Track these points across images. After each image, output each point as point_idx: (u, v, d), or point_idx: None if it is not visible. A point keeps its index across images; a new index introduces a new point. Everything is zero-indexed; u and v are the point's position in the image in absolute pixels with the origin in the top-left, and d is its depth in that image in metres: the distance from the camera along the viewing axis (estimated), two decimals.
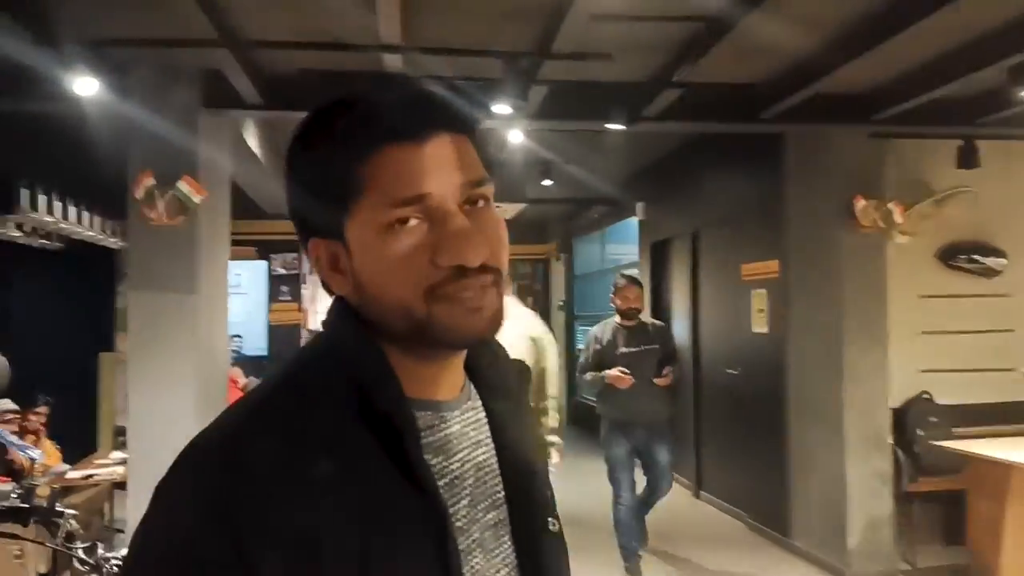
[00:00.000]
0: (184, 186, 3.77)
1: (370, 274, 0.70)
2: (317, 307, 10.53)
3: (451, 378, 0.77)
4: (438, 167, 0.69)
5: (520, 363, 0.77)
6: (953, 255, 4.78)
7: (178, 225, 3.82)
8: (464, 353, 0.77)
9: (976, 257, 4.77)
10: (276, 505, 0.61)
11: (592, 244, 9.88)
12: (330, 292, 0.75)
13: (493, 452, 0.79)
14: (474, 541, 0.73)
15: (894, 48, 3.53)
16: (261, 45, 3.70)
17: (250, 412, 0.69)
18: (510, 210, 7.44)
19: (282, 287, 8.54)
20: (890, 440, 4.68)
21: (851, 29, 3.53)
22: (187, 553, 0.60)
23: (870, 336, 4.64)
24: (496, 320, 0.72)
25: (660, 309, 7.15)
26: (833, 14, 3.44)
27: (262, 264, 8.45)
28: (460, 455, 0.75)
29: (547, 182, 6.65)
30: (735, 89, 4.35)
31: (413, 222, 0.68)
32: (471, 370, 0.81)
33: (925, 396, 4.82)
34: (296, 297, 8.55)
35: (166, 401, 3.79)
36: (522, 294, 11.99)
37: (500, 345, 0.85)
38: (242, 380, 5.15)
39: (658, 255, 7.38)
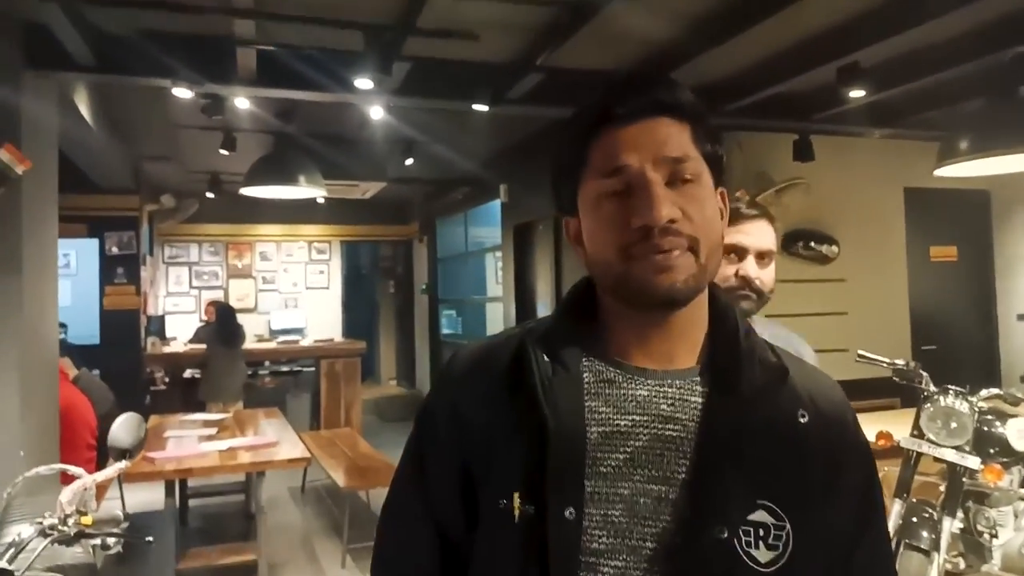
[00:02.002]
0: (5, 155, 3.35)
1: (589, 240, 0.85)
2: (159, 291, 9.72)
3: (660, 348, 0.85)
4: (639, 144, 0.81)
5: (781, 367, 0.73)
6: (792, 242, 5.14)
7: None
8: (690, 330, 0.86)
9: (812, 244, 5.15)
10: (450, 394, 0.90)
11: (456, 226, 9.76)
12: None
13: (690, 434, 0.81)
14: (618, 494, 0.80)
15: (742, 43, 3.72)
16: (93, 1, 3.35)
17: (481, 340, 0.95)
18: (370, 188, 7.24)
19: (118, 268, 7.71)
20: None
21: (708, 19, 3.67)
22: (423, 405, 0.95)
23: None
24: (687, 284, 0.80)
25: (523, 292, 7.21)
26: (690, 4, 3.57)
27: (94, 243, 7.68)
28: (634, 417, 0.82)
29: (409, 161, 6.52)
30: (596, 75, 4.43)
31: (619, 191, 0.81)
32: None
33: None
34: (133, 279, 7.76)
35: None
36: (384, 276, 11.77)
37: (752, 344, 0.87)
38: (72, 371, 4.65)
39: (521, 238, 7.42)
